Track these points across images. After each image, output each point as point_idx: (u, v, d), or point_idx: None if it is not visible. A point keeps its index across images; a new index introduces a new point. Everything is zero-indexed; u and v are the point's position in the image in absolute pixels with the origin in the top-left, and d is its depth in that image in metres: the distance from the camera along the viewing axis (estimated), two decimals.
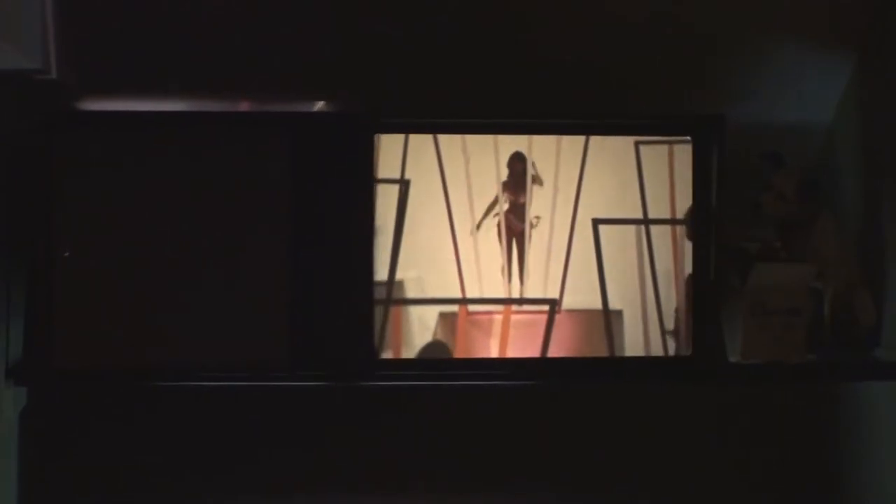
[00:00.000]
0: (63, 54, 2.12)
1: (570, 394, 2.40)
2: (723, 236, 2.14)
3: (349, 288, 2.10)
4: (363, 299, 2.08)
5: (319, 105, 2.27)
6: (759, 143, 2.26)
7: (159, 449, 2.38)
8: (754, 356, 2.19)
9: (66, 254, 2.08)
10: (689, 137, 2.05)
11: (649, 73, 2.28)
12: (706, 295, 2.13)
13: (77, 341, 2.07)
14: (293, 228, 2.10)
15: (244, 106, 2.29)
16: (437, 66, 2.25)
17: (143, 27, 2.20)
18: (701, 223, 2.12)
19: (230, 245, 2.11)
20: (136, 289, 2.09)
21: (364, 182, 2.09)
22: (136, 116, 2.17)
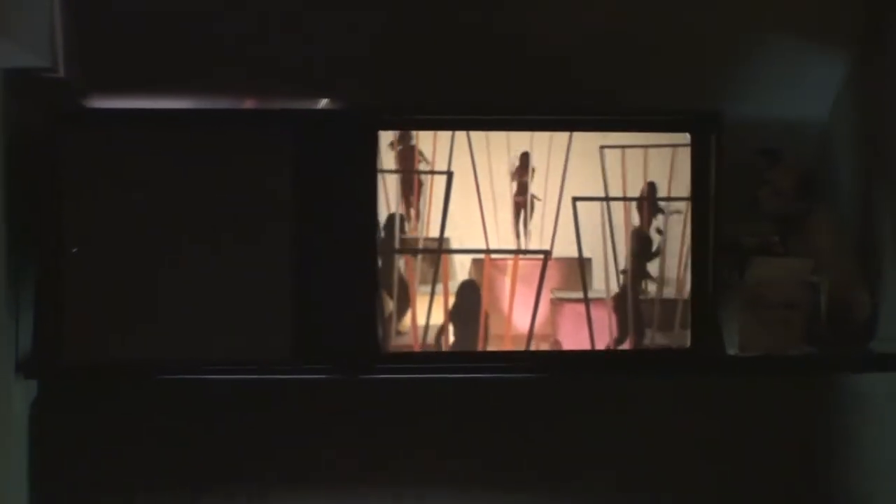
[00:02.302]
0: (70, 53, 2.13)
1: (572, 385, 2.41)
2: (721, 231, 2.16)
3: (353, 282, 2.12)
4: (367, 293, 2.12)
5: (324, 102, 2.28)
6: (756, 139, 2.27)
7: (165, 440, 2.39)
8: (752, 349, 2.21)
9: (74, 250, 2.08)
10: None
11: (650, 71, 2.29)
12: (704, 289, 2.16)
13: (85, 336, 2.10)
14: (297, 224, 2.12)
15: (249, 103, 2.29)
16: (438, 66, 2.27)
17: (150, 27, 2.20)
18: (699, 218, 2.16)
19: (235, 240, 2.12)
20: (143, 284, 2.10)
21: (367, 177, 2.12)
22: (143, 114, 2.19)
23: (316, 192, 2.14)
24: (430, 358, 2.16)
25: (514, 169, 2.13)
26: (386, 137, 2.12)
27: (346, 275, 2.14)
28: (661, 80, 2.31)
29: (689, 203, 2.18)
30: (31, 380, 2.16)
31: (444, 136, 2.11)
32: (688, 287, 2.14)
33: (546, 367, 2.21)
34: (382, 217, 2.11)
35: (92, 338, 2.11)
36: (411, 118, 2.17)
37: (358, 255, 2.14)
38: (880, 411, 2.31)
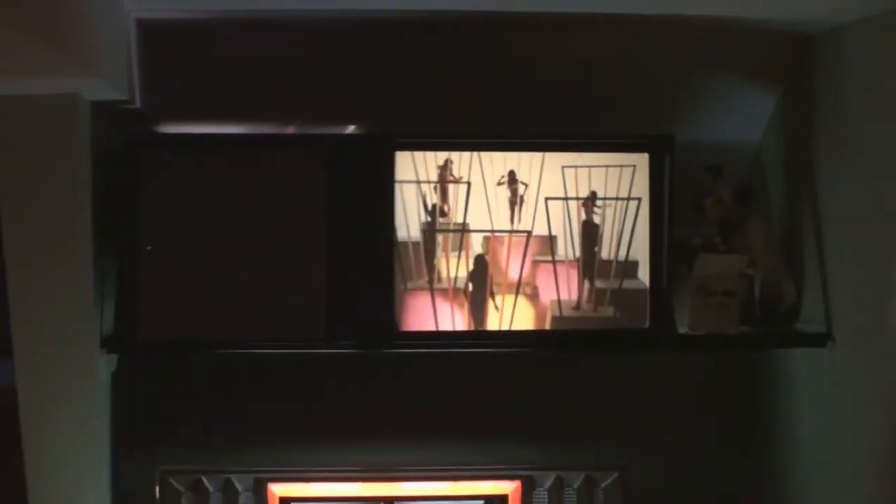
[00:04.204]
0: (145, 88, 2.27)
1: (551, 360, 2.56)
2: (673, 233, 2.31)
3: (375, 274, 2.29)
4: (385, 283, 2.28)
5: (351, 128, 2.42)
6: (702, 157, 2.40)
7: (223, 404, 2.53)
8: (698, 328, 2.36)
9: (149, 248, 2.23)
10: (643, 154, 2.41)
11: (616, 102, 2.44)
12: (660, 279, 2.32)
13: (157, 318, 2.24)
14: (329, 227, 2.26)
15: (291, 129, 2.42)
16: (443, 97, 2.41)
17: (209, 66, 2.32)
18: (655, 223, 2.32)
19: (278, 240, 2.25)
20: (205, 276, 2.25)
21: (386, 188, 2.27)
22: (204, 137, 2.31)
23: (345, 201, 2.26)
24: (437, 336, 2.32)
25: (506, 180, 2.38)
26: (430, 158, 2.36)
27: (370, 268, 2.28)
28: (625, 110, 2.44)
29: (648, 210, 2.33)
30: (112, 354, 2.26)
31: (466, 156, 2.36)
32: (612, 249, 2.39)
33: (530, 343, 2.37)
34: (421, 215, 2.35)
35: (163, 319, 2.24)
36: (420, 141, 2.31)
37: (379, 253, 2.28)
38: (803, 380, 2.45)
